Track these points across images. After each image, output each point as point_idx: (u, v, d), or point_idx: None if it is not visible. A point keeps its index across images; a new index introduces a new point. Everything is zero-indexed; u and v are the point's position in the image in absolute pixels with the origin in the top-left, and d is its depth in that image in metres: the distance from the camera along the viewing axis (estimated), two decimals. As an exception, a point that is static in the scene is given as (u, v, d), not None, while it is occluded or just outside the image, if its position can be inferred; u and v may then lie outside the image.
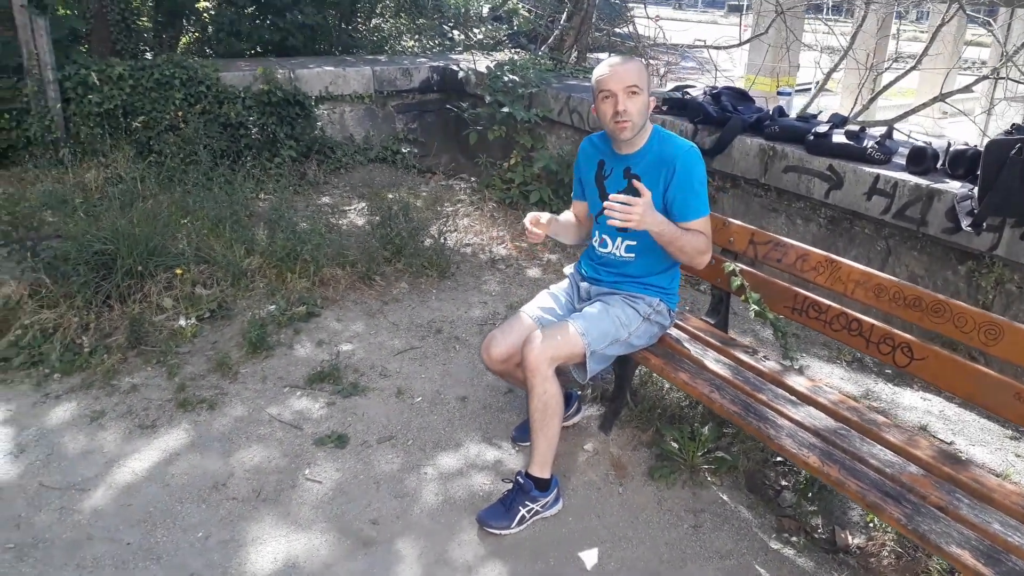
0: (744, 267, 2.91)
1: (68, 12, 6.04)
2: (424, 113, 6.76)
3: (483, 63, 6.44)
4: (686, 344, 2.79)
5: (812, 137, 3.80)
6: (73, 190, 4.81)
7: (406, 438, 2.97)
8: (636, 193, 2.47)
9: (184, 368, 3.34)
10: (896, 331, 2.42)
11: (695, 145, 2.58)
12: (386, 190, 5.77)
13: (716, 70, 9.81)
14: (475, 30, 7.78)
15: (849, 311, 2.56)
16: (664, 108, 4.75)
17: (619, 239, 2.65)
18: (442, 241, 4.61)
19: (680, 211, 2.50)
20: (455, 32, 6.66)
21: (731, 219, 3.01)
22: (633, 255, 2.63)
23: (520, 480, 2.52)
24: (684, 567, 2.40)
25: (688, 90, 4.73)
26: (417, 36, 8.67)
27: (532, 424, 2.49)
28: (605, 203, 2.33)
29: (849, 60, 6.63)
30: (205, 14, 7.65)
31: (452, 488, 2.70)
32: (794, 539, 2.50)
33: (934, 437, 3.02)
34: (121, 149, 5.39)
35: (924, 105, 6.20)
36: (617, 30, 9.50)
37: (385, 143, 6.51)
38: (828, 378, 3.48)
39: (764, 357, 2.74)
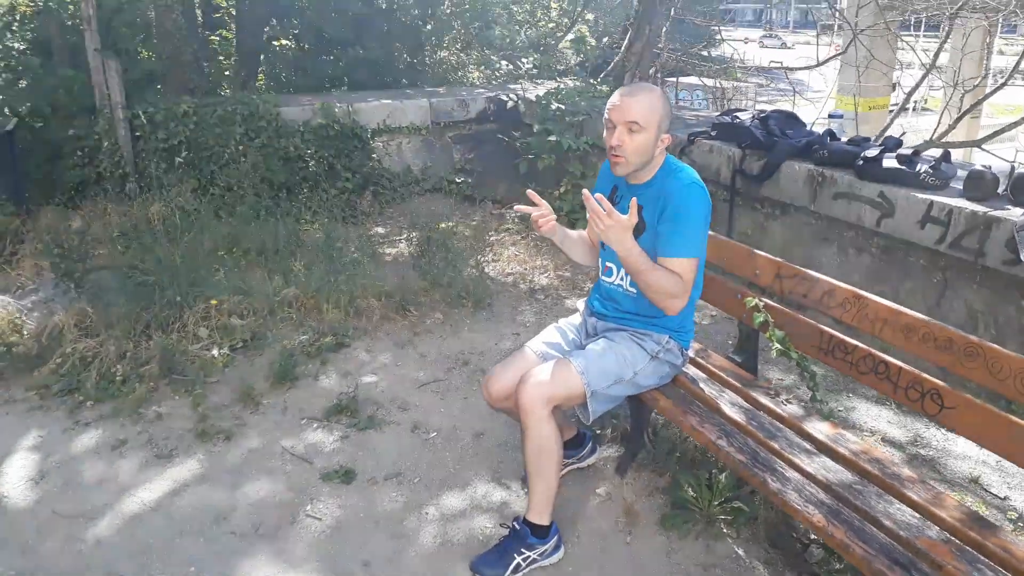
0: (771, 303, 2.72)
1: (146, 54, 6.41)
2: (481, 143, 6.77)
3: (533, 92, 6.41)
4: (701, 384, 2.61)
5: (861, 162, 3.56)
6: (135, 223, 5.02)
7: (414, 475, 2.90)
8: (640, 220, 2.37)
9: (210, 398, 3.39)
10: (925, 376, 2.19)
11: (700, 183, 2.39)
12: (438, 220, 5.78)
13: (795, 92, 9.50)
14: (523, 60, 7.78)
15: (876, 352, 2.34)
16: (713, 133, 4.57)
17: (623, 269, 2.51)
18: (480, 271, 4.55)
19: (661, 246, 2.33)
20: (503, 63, 6.66)
21: (757, 250, 2.83)
22: (636, 289, 2.48)
23: (516, 526, 2.40)
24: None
25: (738, 114, 4.53)
26: (482, 67, 8.75)
27: (527, 468, 2.37)
28: (585, 197, 2.20)
29: (950, 78, 6.25)
30: (282, 52, 7.92)
31: (451, 530, 2.60)
32: (814, 602, 2.28)
33: (985, 491, 2.72)
34: (185, 183, 5.61)
35: (1013, 125, 5.77)
36: (704, 52, 9.34)
37: (441, 173, 6.54)
38: (875, 422, 3.20)
39: (786, 400, 2.53)
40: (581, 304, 2.83)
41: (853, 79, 8.66)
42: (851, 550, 1.86)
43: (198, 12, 8.16)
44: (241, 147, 5.75)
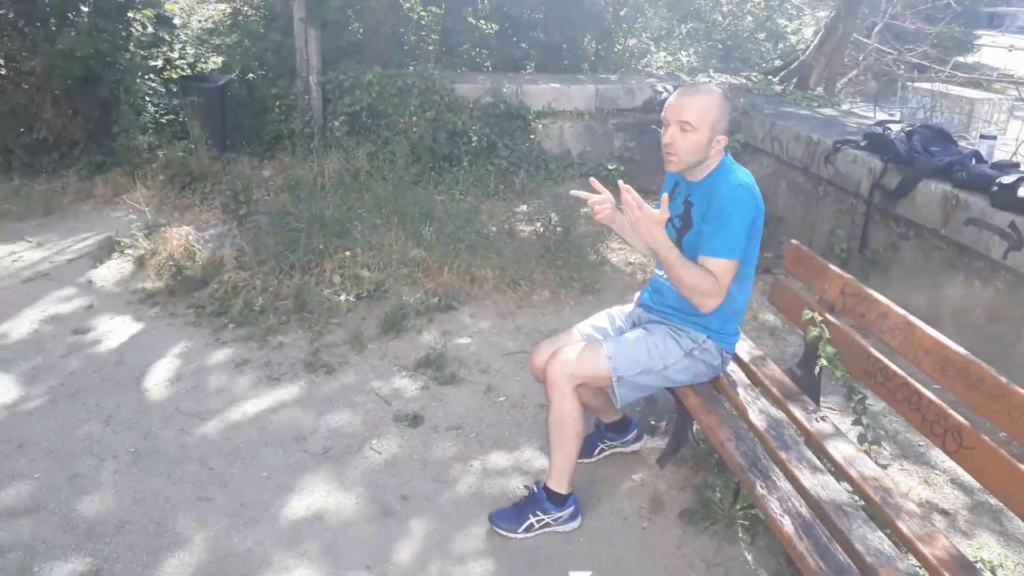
0: (832, 319, 2.66)
1: (356, 26, 7.10)
2: (643, 132, 6.81)
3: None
4: (739, 388, 2.63)
5: (996, 188, 3.30)
6: (314, 177, 5.67)
7: (472, 431, 3.16)
8: (688, 217, 2.44)
9: (325, 336, 3.86)
10: (951, 411, 2.10)
11: (748, 185, 2.39)
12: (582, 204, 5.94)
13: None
14: (681, 53, 7.63)
15: (912, 381, 2.26)
16: (863, 143, 4.37)
17: None
18: (601, 257, 4.70)
19: (702, 245, 2.37)
20: (682, 54, 6.60)
21: (831, 265, 2.77)
22: None
23: (535, 489, 2.60)
24: (666, 614, 2.31)
25: (890, 125, 4.29)
26: (673, 56, 8.70)
27: (549, 437, 2.54)
28: (622, 186, 2.28)
29: None
30: (470, 32, 8.37)
31: (487, 484, 2.84)
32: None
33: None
34: (362, 146, 6.20)
35: None
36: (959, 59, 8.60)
37: (600, 159, 6.68)
38: (927, 450, 3.03)
39: (822, 417, 2.49)
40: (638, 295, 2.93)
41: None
42: (806, 563, 1.87)
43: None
44: (414, 118, 6.25)
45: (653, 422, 3.16)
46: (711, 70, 7.29)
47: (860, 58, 8.95)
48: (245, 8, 7.79)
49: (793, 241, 3.04)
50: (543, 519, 2.57)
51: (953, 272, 3.64)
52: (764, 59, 9.60)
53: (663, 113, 2.44)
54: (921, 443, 3.14)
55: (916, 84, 9.37)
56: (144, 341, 3.76)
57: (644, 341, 2.55)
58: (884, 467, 2.70)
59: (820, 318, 2.65)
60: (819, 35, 7.17)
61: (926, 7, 9.69)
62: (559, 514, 2.58)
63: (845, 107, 6.95)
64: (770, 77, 7.06)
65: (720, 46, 9.11)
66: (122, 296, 4.21)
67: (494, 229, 5.00)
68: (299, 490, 2.79)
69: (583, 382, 2.50)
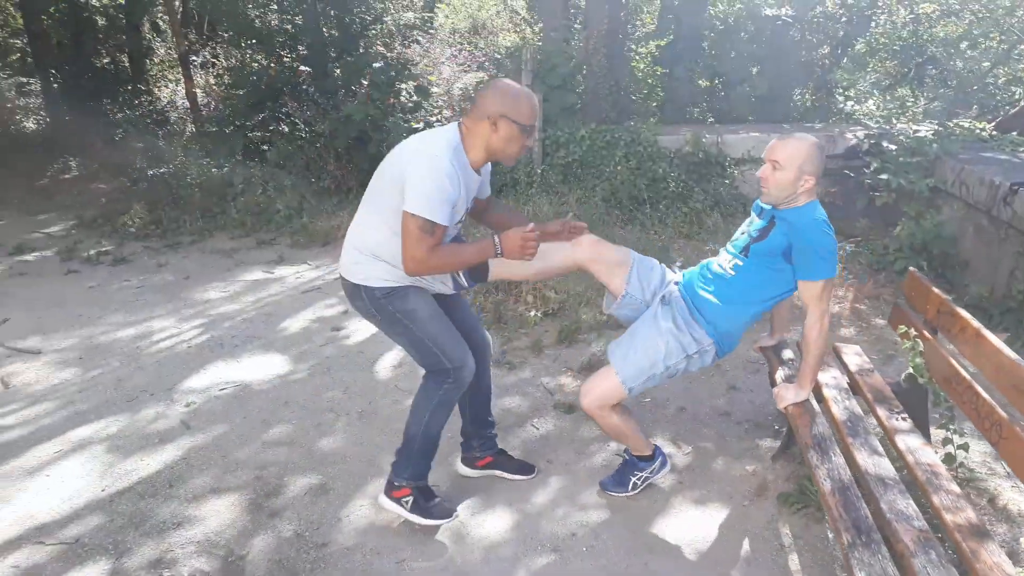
0: (929, 336, 2.96)
1: (578, 89, 8.09)
2: (848, 179, 6.97)
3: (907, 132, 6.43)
4: (832, 390, 3.01)
5: None
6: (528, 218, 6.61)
7: (616, 420, 3.77)
8: (767, 232, 2.88)
9: (514, 342, 4.68)
10: (998, 408, 2.38)
11: (825, 219, 2.78)
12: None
13: None
14: (869, 102, 7.51)
15: (976, 385, 2.54)
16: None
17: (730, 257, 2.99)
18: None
19: (799, 272, 2.81)
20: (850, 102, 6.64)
21: (934, 288, 3.06)
22: (735, 272, 2.93)
23: (626, 456, 3.16)
24: (737, 567, 2.76)
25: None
26: (890, 106, 8.67)
27: (615, 439, 3.14)
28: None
29: None
30: (684, 86, 9.02)
31: (618, 461, 3.44)
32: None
33: None
34: (574, 192, 7.08)
35: None
36: None
37: (798, 204, 6.94)
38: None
39: (903, 417, 2.80)
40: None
41: None
42: (832, 513, 2.28)
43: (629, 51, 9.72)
44: (619, 167, 7.02)
45: (776, 426, 3.55)
46: (926, 117, 7.23)
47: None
48: (487, 78, 9.12)
49: (911, 268, 3.33)
50: (641, 475, 3.13)
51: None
52: (1010, 103, 9.14)
53: (764, 154, 2.95)
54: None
55: None
56: (379, 339, 4.81)
57: (649, 344, 2.90)
58: (958, 467, 2.88)
59: (915, 333, 2.97)
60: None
61: None
62: (651, 467, 3.13)
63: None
64: (974, 122, 6.87)
65: (951, 92, 8.86)
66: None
67: (679, 262, 5.56)
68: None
69: (610, 402, 2.93)
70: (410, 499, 2.95)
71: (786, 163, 2.80)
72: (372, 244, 2.69)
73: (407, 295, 2.75)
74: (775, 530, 2.94)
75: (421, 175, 2.48)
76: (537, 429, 3.73)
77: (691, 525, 3.00)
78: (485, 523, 3.05)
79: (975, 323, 2.67)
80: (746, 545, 2.86)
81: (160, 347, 4.70)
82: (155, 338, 4.83)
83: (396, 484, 2.97)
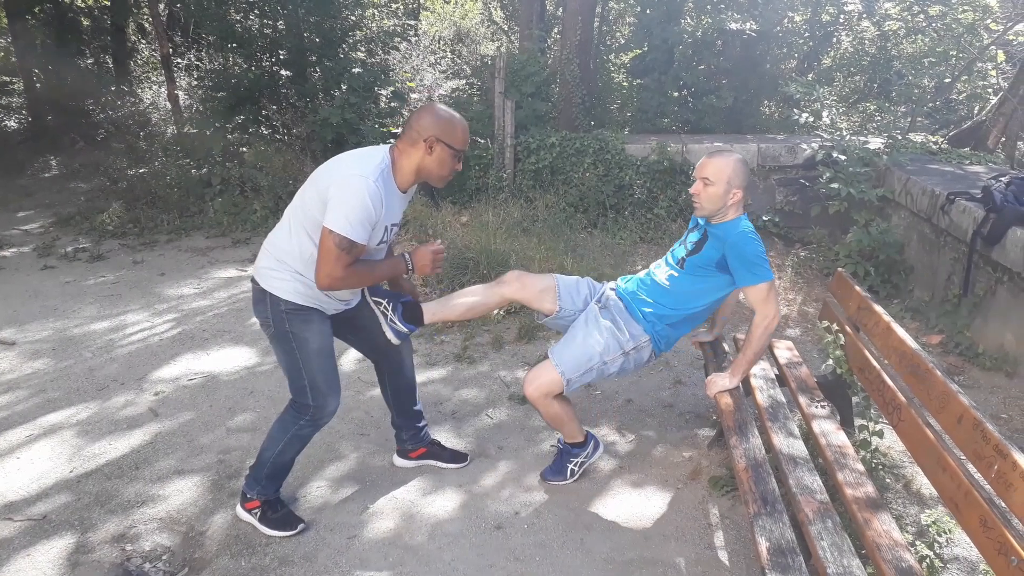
0: (850, 332, 3.18)
1: (552, 98, 8.31)
2: (805, 188, 7.22)
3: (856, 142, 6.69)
4: (760, 380, 3.22)
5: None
6: (500, 221, 6.82)
7: (566, 411, 3.97)
8: (701, 245, 3.10)
9: (476, 338, 4.87)
10: (899, 393, 2.60)
11: (752, 229, 3.02)
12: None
13: None
14: (824, 114, 7.75)
15: (883, 374, 2.76)
16: (978, 196, 4.63)
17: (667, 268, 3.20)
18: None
19: (737, 281, 3.02)
20: (804, 114, 6.89)
21: (856, 287, 3.28)
22: (669, 283, 3.14)
23: (560, 445, 3.34)
24: (666, 542, 2.96)
25: (1001, 178, 4.52)
26: (853, 119, 8.95)
27: (553, 426, 3.26)
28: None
29: None
30: (669, 95, 9.25)
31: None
32: None
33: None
34: (543, 198, 7.29)
35: None
36: None
37: (759, 212, 7.19)
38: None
39: (822, 405, 3.02)
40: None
41: None
42: (743, 486, 2.48)
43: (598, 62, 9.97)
44: (588, 174, 7.24)
45: (714, 417, 3.76)
46: (888, 131, 7.50)
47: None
48: (465, 85, 9.33)
49: (839, 269, 3.56)
50: (577, 460, 3.31)
51: (1036, 312, 3.86)
52: (969, 118, 9.45)
53: (693, 172, 3.16)
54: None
55: None
56: (345, 333, 4.99)
57: (587, 340, 3.08)
58: (873, 451, 3.10)
59: (837, 328, 3.19)
60: (1000, 95, 7.15)
61: None
62: (585, 451, 3.31)
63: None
64: (928, 136, 7.15)
65: (915, 106, 9.15)
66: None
67: (640, 266, 5.78)
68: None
69: (551, 392, 3.08)
70: (259, 511, 3.06)
71: (715, 178, 3.01)
72: (295, 254, 2.71)
73: (310, 320, 2.79)
74: (704, 510, 3.14)
75: (345, 194, 2.52)
76: (491, 418, 3.92)
77: (627, 506, 3.19)
78: (435, 503, 3.23)
79: (887, 317, 2.89)
80: (676, 523, 3.06)
81: (132, 339, 4.85)
82: (128, 331, 4.98)
83: (248, 496, 3.08)
